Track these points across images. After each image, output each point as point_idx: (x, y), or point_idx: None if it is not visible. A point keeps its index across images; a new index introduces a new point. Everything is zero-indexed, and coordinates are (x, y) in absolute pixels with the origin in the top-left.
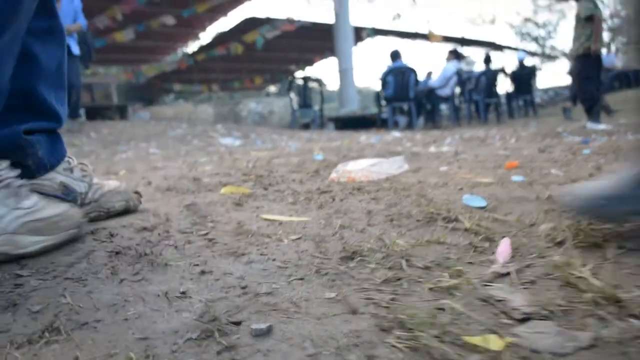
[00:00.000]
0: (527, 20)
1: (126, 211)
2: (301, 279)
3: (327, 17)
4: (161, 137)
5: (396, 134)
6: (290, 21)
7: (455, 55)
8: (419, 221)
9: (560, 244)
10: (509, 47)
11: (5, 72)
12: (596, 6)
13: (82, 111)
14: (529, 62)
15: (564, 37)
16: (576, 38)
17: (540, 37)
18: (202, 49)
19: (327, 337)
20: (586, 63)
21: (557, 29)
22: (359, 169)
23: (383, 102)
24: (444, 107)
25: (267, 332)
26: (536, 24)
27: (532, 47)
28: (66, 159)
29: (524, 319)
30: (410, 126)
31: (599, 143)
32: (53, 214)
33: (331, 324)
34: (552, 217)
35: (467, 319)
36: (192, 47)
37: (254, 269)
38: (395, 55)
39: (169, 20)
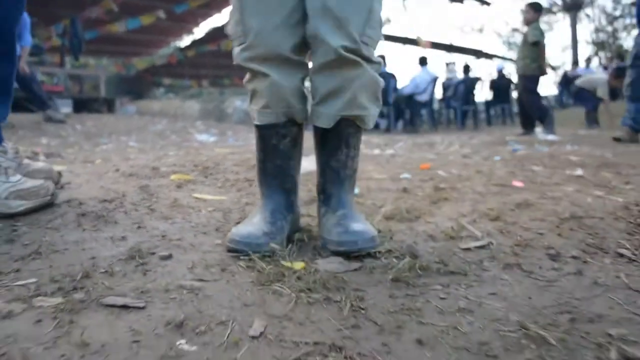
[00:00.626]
0: (514, 30)
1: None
2: (204, 233)
3: None
4: (142, 132)
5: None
6: None
7: (421, 62)
8: (305, 201)
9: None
10: (496, 56)
11: None
12: (542, 33)
13: (63, 103)
14: (508, 71)
15: (550, 49)
16: (521, 58)
17: None
18: (194, 44)
19: (203, 261)
20: (531, 81)
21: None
22: None
23: None
24: (424, 112)
25: (168, 257)
26: (523, 35)
27: None
28: (3, 144)
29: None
30: (388, 129)
31: (524, 153)
32: (32, 185)
33: (209, 256)
34: (392, 200)
35: (290, 253)
36: (184, 41)
37: (174, 227)
38: None
39: (161, 14)
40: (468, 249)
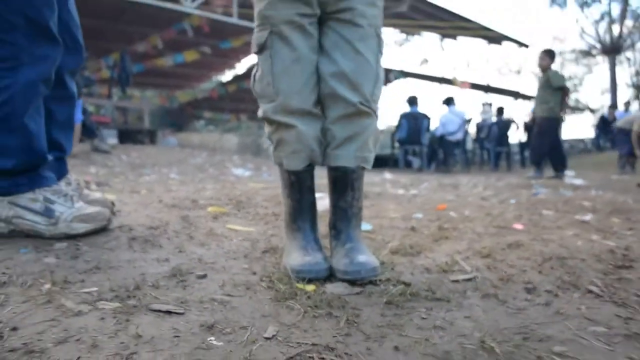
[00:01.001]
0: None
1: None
2: (234, 258)
3: None
4: (182, 164)
5: (387, 175)
6: None
7: (447, 102)
8: (323, 235)
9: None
10: (533, 97)
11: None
12: (564, 78)
13: (109, 133)
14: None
15: (589, 91)
16: (543, 101)
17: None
18: (235, 79)
19: (232, 281)
20: (549, 124)
21: (582, 83)
22: None
23: (397, 145)
24: (457, 153)
25: (203, 276)
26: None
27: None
28: (67, 176)
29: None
30: (420, 169)
31: (542, 197)
32: (92, 211)
33: (237, 277)
34: (400, 236)
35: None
36: (225, 76)
37: (209, 252)
38: (412, 101)
39: (207, 50)
40: (456, 281)
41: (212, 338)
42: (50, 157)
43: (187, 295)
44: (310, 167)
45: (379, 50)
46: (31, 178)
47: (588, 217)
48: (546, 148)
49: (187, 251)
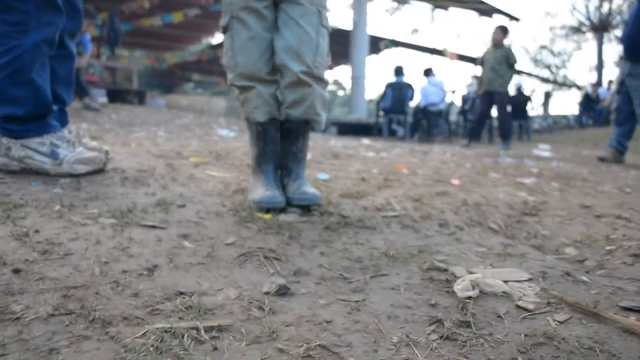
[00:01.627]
0: (542, 47)
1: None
2: (209, 195)
3: (346, 24)
4: (170, 124)
5: (365, 141)
6: None
7: (425, 73)
8: None
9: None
10: (522, 72)
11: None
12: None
13: (99, 92)
14: (528, 89)
15: (577, 68)
16: (500, 76)
17: (553, 65)
18: None
19: (205, 209)
20: (507, 99)
21: (570, 59)
22: None
23: (381, 113)
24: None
25: (183, 206)
26: (551, 52)
27: (545, 73)
28: (68, 125)
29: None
30: (404, 138)
31: (500, 163)
32: (90, 155)
33: (210, 207)
34: (350, 185)
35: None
36: (215, 39)
37: (189, 190)
38: (398, 71)
39: (195, 11)
40: (385, 216)
41: (186, 242)
42: (54, 108)
43: (169, 217)
44: (273, 121)
45: (319, 24)
46: (39, 125)
47: (528, 180)
48: (511, 119)
49: (171, 189)
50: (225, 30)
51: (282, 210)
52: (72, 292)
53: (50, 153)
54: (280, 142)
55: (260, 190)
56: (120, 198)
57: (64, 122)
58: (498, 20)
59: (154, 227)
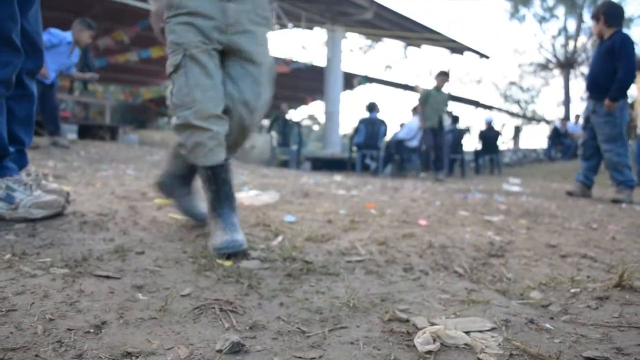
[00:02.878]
0: (512, 83)
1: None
2: (170, 241)
3: (321, 61)
4: (139, 161)
5: (337, 178)
6: (286, 62)
7: (416, 111)
8: (251, 225)
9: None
10: (493, 107)
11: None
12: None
13: (69, 128)
14: (498, 124)
15: (545, 103)
16: (442, 115)
17: (522, 101)
18: None
19: (164, 256)
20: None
21: (539, 95)
22: (247, 196)
23: (354, 148)
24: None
25: (141, 253)
26: (520, 88)
27: (515, 108)
28: (27, 167)
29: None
30: (376, 172)
31: (470, 200)
32: (48, 199)
33: (170, 254)
34: (316, 227)
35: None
36: None
37: (150, 235)
38: (371, 108)
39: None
40: (350, 261)
41: (140, 294)
42: (11, 150)
43: (125, 266)
44: (224, 162)
45: (270, 79)
46: None
47: (496, 218)
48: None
49: (131, 234)
50: (177, 69)
51: (244, 254)
52: (10, 355)
53: (6, 197)
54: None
55: (219, 235)
56: (76, 244)
57: (22, 164)
58: (469, 57)
59: (108, 277)
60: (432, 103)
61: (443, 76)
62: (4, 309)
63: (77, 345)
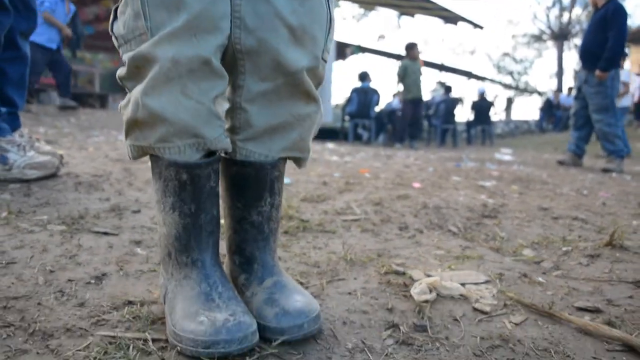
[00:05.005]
0: (505, 54)
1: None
2: None
3: None
4: None
5: (330, 145)
6: None
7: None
8: None
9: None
10: (486, 78)
11: None
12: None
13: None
14: (491, 95)
15: (538, 75)
16: (421, 84)
17: (515, 72)
18: None
19: None
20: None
21: (532, 66)
22: None
23: (347, 117)
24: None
25: (138, 211)
26: (514, 59)
27: (508, 80)
28: (20, 129)
29: None
30: (369, 141)
31: (463, 167)
32: (42, 160)
33: None
34: (312, 189)
35: None
36: None
37: (145, 195)
38: (363, 77)
39: None
40: (345, 220)
41: (138, 249)
42: (3, 111)
43: (122, 223)
44: (212, 160)
45: None
46: None
47: (489, 183)
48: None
49: (126, 194)
50: None
51: None
52: (12, 303)
53: None
54: (229, 201)
55: (200, 311)
56: (72, 204)
57: (15, 126)
58: (463, 27)
59: (105, 233)
60: (410, 74)
61: (415, 46)
62: (3, 262)
63: (78, 294)
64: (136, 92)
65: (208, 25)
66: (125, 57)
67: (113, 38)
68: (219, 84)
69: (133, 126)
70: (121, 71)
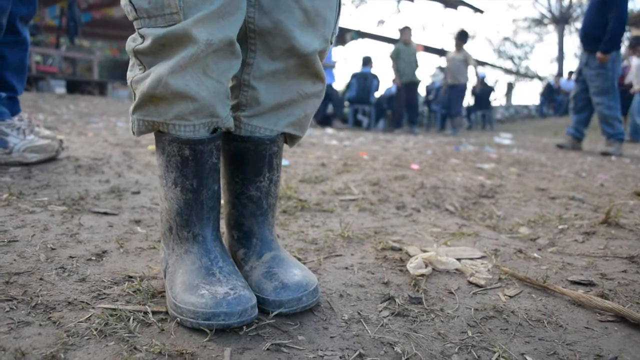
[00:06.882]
0: (505, 39)
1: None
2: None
3: None
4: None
5: (329, 130)
6: None
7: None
8: None
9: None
10: (486, 63)
11: None
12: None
13: (57, 83)
14: (491, 80)
15: (539, 59)
16: (415, 68)
17: (516, 57)
18: None
19: (158, 195)
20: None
21: (532, 51)
22: None
23: (346, 103)
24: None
25: (137, 193)
26: (514, 44)
27: (508, 65)
28: (20, 113)
29: None
30: (368, 127)
31: (462, 150)
32: (42, 143)
33: None
34: (310, 170)
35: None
36: None
37: (145, 177)
38: (366, 61)
39: None
40: (343, 200)
41: (138, 228)
42: (3, 95)
43: (122, 204)
44: (215, 136)
45: None
46: None
47: (487, 165)
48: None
49: (126, 176)
50: None
51: None
52: (14, 278)
53: None
54: (228, 176)
55: (202, 285)
56: (72, 186)
57: (15, 111)
58: (463, 11)
59: (105, 213)
60: (404, 58)
61: (408, 30)
62: (5, 240)
63: (79, 270)
64: (160, 69)
65: (234, 7)
66: (148, 32)
67: (129, 8)
68: (235, 64)
69: (147, 101)
70: (138, 45)
